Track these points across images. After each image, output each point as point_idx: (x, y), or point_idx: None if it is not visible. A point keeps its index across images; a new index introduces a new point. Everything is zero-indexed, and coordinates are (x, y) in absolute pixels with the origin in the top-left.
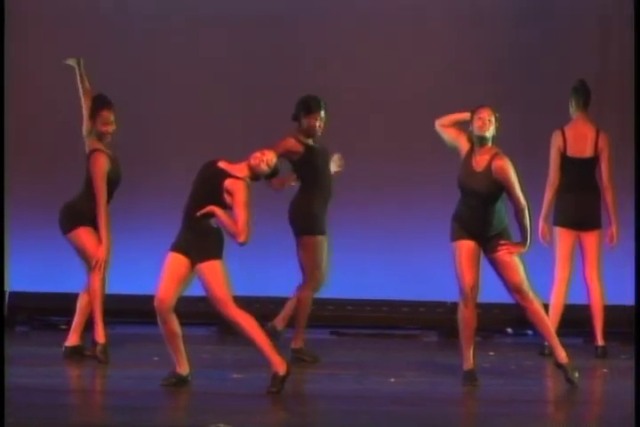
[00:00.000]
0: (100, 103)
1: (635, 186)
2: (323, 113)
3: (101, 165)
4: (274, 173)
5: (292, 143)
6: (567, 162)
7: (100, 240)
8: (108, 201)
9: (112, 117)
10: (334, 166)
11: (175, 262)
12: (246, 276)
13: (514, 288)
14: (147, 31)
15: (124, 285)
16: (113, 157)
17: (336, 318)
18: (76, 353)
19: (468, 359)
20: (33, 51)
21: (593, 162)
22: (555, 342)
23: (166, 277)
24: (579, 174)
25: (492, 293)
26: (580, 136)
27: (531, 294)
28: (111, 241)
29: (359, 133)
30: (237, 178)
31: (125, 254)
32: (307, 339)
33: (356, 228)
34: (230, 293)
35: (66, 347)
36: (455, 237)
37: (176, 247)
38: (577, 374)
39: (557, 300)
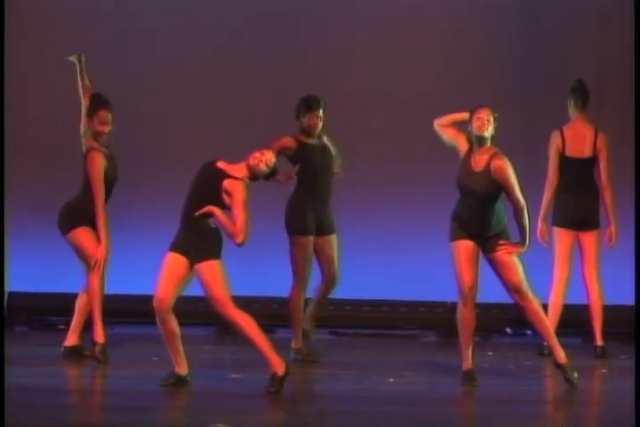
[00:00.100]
0: (97, 103)
1: (634, 186)
2: (321, 112)
3: (98, 163)
4: (273, 173)
5: (286, 140)
6: (566, 162)
7: (99, 240)
8: (106, 200)
9: (109, 117)
10: (336, 167)
11: (174, 262)
12: (245, 276)
13: (513, 288)
14: (147, 31)
15: (123, 285)
16: (109, 155)
17: (335, 318)
18: (74, 353)
19: (467, 359)
20: (33, 50)
21: (592, 162)
22: (554, 342)
23: (165, 277)
24: (577, 174)
25: (491, 293)
26: (578, 136)
27: (530, 294)
28: (110, 241)
29: (359, 133)
30: (236, 178)
31: (124, 254)
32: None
33: (356, 228)
34: (229, 293)
35: (65, 347)
36: (454, 237)
37: (175, 247)
38: (576, 375)
39: (556, 300)
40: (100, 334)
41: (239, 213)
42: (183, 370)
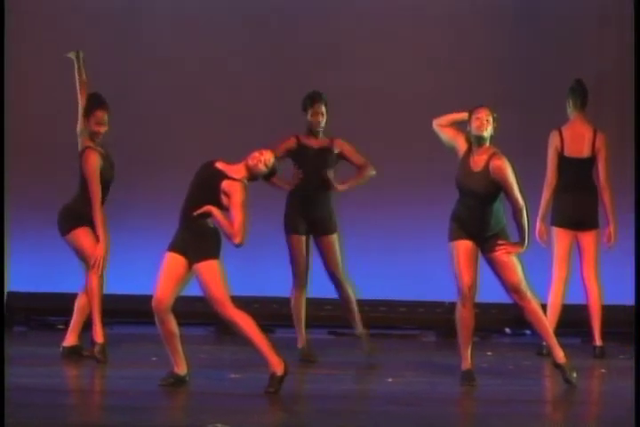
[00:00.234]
0: (94, 103)
1: (634, 186)
2: (322, 107)
3: (92, 162)
4: (272, 173)
5: (288, 143)
6: (565, 162)
7: (98, 240)
8: (103, 199)
9: (106, 118)
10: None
11: (173, 262)
12: (244, 276)
13: (512, 288)
14: (147, 31)
15: (122, 285)
16: (105, 154)
17: (334, 318)
18: (73, 353)
19: (466, 359)
20: (33, 50)
21: (590, 162)
22: (553, 342)
23: (164, 277)
24: (576, 174)
25: (490, 293)
26: (577, 136)
27: (529, 294)
28: (109, 240)
29: (359, 133)
30: (234, 179)
31: (123, 254)
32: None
33: (356, 228)
34: (228, 293)
35: (63, 347)
36: (453, 237)
37: (173, 247)
38: (575, 375)
39: (555, 300)
40: (99, 334)
41: (237, 214)
42: (182, 370)
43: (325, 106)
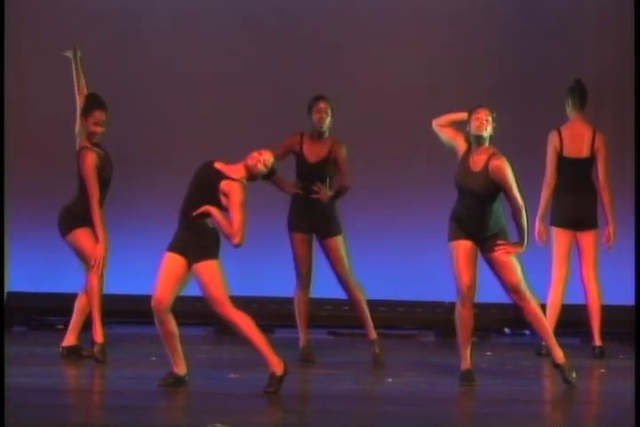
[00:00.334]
0: (93, 103)
1: (634, 186)
2: (325, 106)
3: (90, 162)
4: (271, 173)
5: (291, 142)
6: (564, 162)
7: (98, 241)
8: (102, 199)
9: (103, 118)
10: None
11: (172, 263)
12: (243, 276)
13: (511, 288)
14: (146, 31)
15: (122, 285)
16: (103, 154)
17: (334, 318)
18: (73, 353)
19: (466, 359)
20: (33, 50)
21: (589, 162)
22: (552, 342)
23: (163, 277)
24: (575, 174)
25: (490, 293)
26: (576, 136)
27: (528, 294)
28: (109, 240)
29: (359, 133)
30: (233, 179)
31: (123, 254)
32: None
33: (355, 228)
34: (227, 293)
35: (63, 347)
36: (452, 237)
37: (173, 247)
38: (574, 375)
39: (555, 300)
40: (99, 334)
41: (236, 215)
42: (181, 370)
43: (329, 106)
